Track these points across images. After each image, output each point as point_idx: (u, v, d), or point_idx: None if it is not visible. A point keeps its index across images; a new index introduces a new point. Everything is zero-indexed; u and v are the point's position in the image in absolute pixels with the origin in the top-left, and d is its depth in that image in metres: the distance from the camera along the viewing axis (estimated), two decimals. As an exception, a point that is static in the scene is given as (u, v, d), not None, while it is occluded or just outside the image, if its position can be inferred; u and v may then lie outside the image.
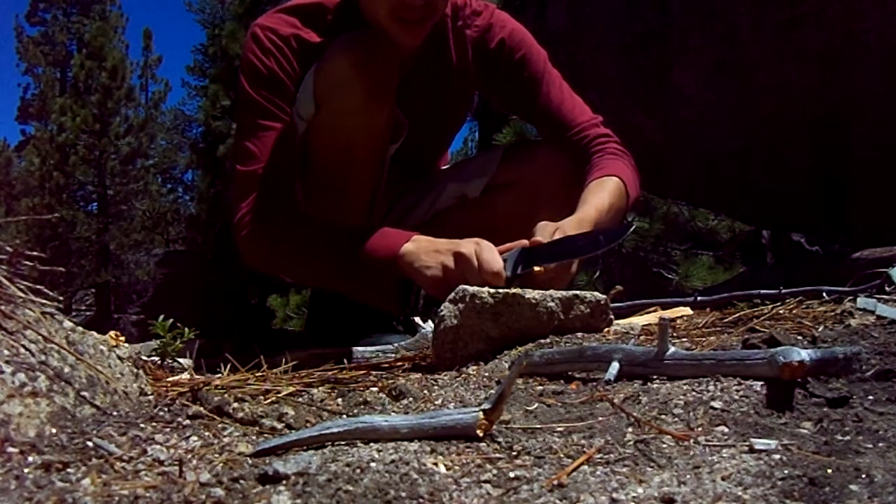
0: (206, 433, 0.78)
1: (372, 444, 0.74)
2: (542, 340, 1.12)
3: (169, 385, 0.97)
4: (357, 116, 1.48)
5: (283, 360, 1.15)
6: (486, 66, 1.69)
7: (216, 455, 0.72)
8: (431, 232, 1.43)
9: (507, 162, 1.75)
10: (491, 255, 1.28)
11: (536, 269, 1.30)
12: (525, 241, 1.34)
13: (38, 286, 0.90)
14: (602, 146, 1.62)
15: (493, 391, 0.94)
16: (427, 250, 1.34)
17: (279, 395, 0.95)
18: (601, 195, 1.50)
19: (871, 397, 0.78)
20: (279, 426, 0.83)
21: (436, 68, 1.67)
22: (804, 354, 0.80)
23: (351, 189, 1.59)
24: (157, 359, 1.13)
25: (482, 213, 1.74)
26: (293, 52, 1.51)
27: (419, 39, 1.53)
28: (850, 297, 1.25)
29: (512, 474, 0.66)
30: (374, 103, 1.48)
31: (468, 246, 1.30)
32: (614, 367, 0.90)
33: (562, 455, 0.70)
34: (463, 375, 1.05)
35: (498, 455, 0.71)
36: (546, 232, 1.37)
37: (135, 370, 0.93)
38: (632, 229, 1.40)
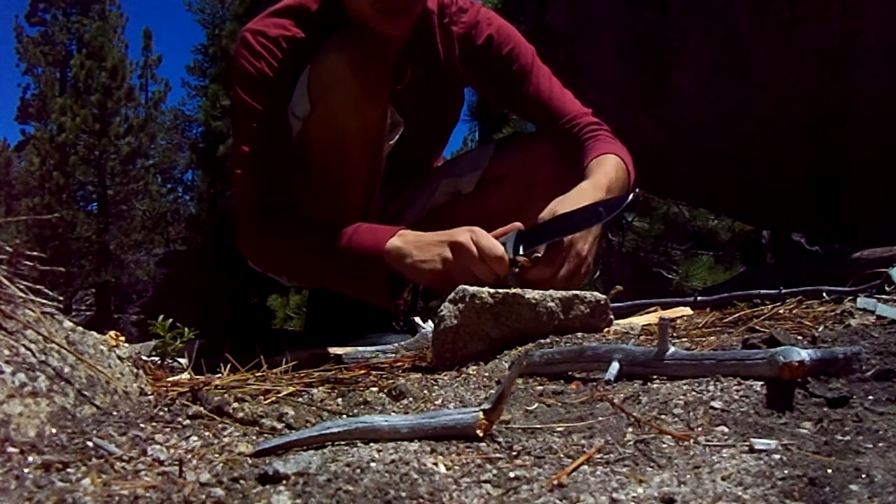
0: (206, 433, 0.78)
1: (372, 444, 0.73)
2: (542, 340, 1.12)
3: (169, 385, 0.97)
4: (352, 114, 1.49)
5: (283, 360, 1.15)
6: (475, 62, 1.70)
7: (216, 455, 0.72)
8: (427, 229, 1.43)
9: (500, 156, 1.75)
10: (489, 240, 1.28)
11: (536, 255, 1.29)
12: (519, 224, 1.34)
13: (38, 286, 0.90)
14: (594, 133, 1.64)
15: (493, 391, 0.94)
16: (418, 244, 1.34)
17: (279, 395, 0.95)
18: (605, 168, 1.51)
19: (871, 397, 0.78)
20: (279, 426, 0.83)
21: (425, 66, 1.68)
22: (804, 354, 0.80)
23: (347, 188, 1.59)
24: (157, 359, 1.13)
25: (476, 208, 1.75)
26: (283, 52, 1.52)
27: (404, 30, 1.53)
28: (850, 297, 1.25)
29: (512, 474, 0.66)
30: (369, 101, 1.49)
31: (463, 235, 1.30)
32: (614, 367, 0.90)
33: (562, 455, 0.70)
34: (463, 375, 1.05)
35: (498, 455, 0.71)
36: (547, 213, 1.37)
37: (135, 370, 0.93)
38: (631, 198, 1.39)
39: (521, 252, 1.29)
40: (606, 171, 1.50)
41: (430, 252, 1.32)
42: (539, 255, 1.35)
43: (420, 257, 1.32)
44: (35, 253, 0.97)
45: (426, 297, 1.38)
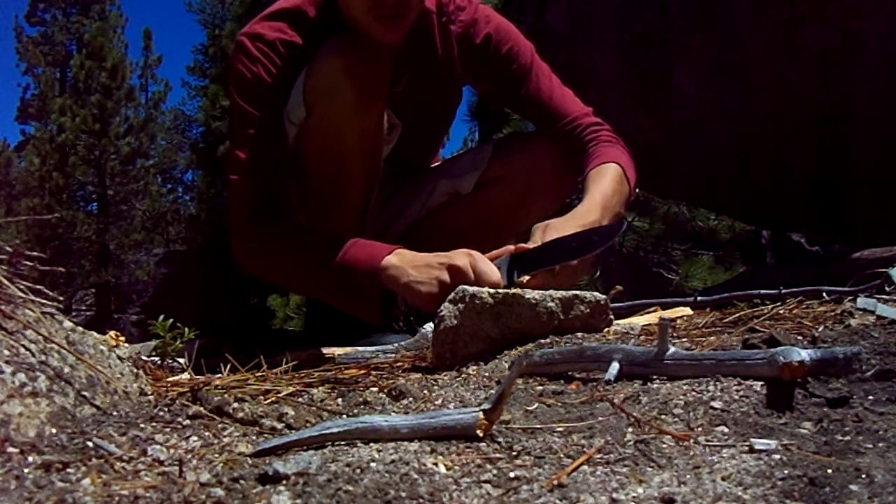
0: (206, 433, 0.78)
1: (372, 444, 0.73)
2: (542, 340, 1.12)
3: (169, 385, 0.97)
4: (349, 119, 1.48)
5: (283, 360, 1.15)
6: (474, 61, 1.69)
7: (216, 455, 0.72)
8: (425, 230, 1.42)
9: (498, 156, 1.75)
10: (486, 266, 1.28)
11: (527, 277, 1.30)
12: (511, 247, 1.34)
13: (38, 286, 0.90)
14: (595, 134, 1.63)
15: (493, 391, 0.94)
16: (415, 264, 1.33)
17: (279, 395, 0.95)
18: (603, 182, 1.51)
19: (871, 397, 0.78)
20: (279, 426, 0.83)
21: (423, 66, 1.67)
22: (804, 354, 0.80)
23: (345, 192, 1.58)
24: (157, 359, 1.13)
25: (475, 209, 1.74)
26: (280, 56, 1.51)
27: (401, 35, 1.52)
28: (850, 297, 1.25)
29: (512, 474, 0.66)
30: (366, 105, 1.48)
31: (461, 259, 1.29)
32: (614, 367, 0.90)
33: (562, 455, 0.70)
34: (463, 375, 1.05)
35: (498, 455, 0.71)
36: (537, 233, 1.37)
37: (135, 370, 0.94)
38: (625, 226, 1.41)
39: (515, 278, 1.30)
40: (603, 187, 1.50)
41: (427, 274, 1.30)
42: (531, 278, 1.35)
43: (417, 278, 1.31)
44: (35, 253, 0.97)
45: (418, 318, 1.37)
